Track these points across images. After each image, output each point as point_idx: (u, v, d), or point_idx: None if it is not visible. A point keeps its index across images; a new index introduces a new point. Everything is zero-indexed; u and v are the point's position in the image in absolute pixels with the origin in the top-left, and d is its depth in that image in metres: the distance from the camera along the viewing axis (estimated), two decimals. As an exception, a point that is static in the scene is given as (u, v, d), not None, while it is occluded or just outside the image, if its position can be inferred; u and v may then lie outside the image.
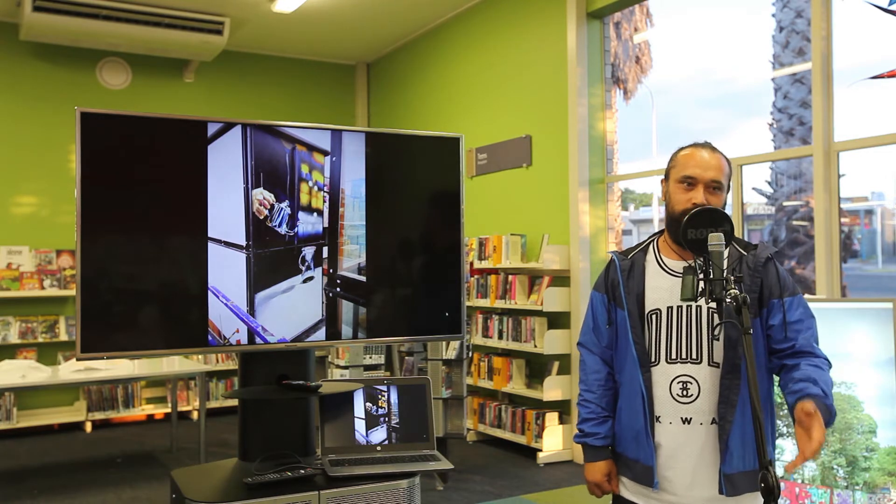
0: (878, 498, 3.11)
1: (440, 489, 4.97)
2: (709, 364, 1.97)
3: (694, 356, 1.98)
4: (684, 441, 1.98)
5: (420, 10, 7.08)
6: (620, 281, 2.10)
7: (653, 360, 2.02)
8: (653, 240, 2.16)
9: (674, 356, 2.00)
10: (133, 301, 2.43)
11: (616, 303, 2.12)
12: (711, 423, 1.96)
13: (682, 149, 2.09)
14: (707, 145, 2.07)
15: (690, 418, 1.97)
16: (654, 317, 2.04)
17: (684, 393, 1.98)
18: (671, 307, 2.02)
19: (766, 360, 2.02)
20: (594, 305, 2.20)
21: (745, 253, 2.03)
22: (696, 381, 1.97)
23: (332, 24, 7.42)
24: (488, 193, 6.68)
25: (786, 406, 1.92)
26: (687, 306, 2.00)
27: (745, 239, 2.16)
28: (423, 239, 2.85)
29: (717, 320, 1.83)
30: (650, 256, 2.12)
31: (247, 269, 2.52)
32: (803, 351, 1.95)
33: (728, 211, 2.04)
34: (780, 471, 2.86)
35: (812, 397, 1.82)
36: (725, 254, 2.02)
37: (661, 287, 2.05)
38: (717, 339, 1.97)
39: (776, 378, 2.04)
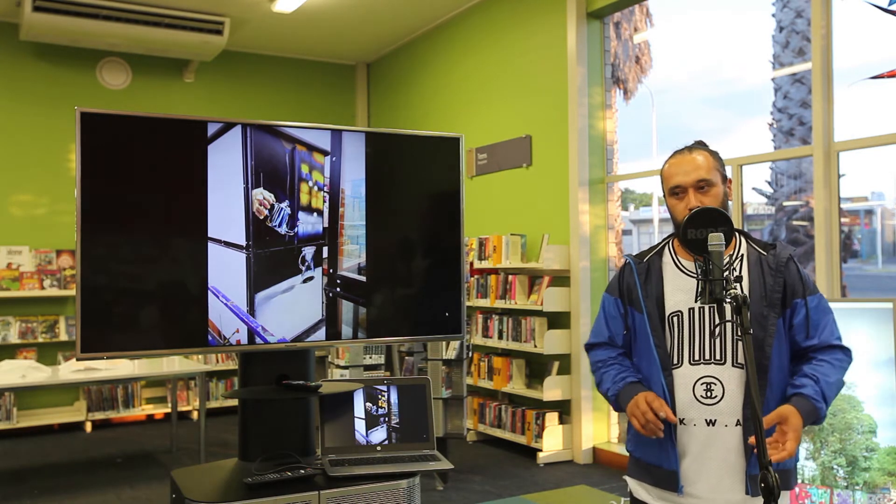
0: (878, 498, 3.11)
1: (440, 489, 4.97)
2: (733, 365, 1.94)
3: (718, 357, 1.96)
4: (710, 443, 1.95)
5: (420, 10, 7.07)
6: (638, 284, 2.07)
7: (675, 362, 1.99)
8: (667, 242, 2.13)
9: (697, 357, 1.97)
10: (133, 301, 2.43)
11: (633, 306, 2.08)
12: (736, 425, 1.93)
13: (665, 161, 2.08)
14: (686, 147, 2.05)
15: (715, 420, 1.94)
16: (675, 319, 2.01)
17: (708, 394, 1.95)
18: (692, 308, 2.00)
19: (790, 361, 1.99)
20: (606, 308, 2.16)
21: (765, 253, 2.01)
22: (721, 383, 1.94)
23: (332, 24, 7.42)
24: (488, 193, 6.67)
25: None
26: (710, 307, 1.97)
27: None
28: (423, 239, 2.85)
29: (740, 321, 1.79)
30: (667, 258, 2.09)
31: (247, 269, 2.52)
32: (827, 345, 1.96)
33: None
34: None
35: (803, 398, 1.86)
36: (736, 254, 2.03)
37: (681, 288, 2.02)
38: (717, 338, 1.96)
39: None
